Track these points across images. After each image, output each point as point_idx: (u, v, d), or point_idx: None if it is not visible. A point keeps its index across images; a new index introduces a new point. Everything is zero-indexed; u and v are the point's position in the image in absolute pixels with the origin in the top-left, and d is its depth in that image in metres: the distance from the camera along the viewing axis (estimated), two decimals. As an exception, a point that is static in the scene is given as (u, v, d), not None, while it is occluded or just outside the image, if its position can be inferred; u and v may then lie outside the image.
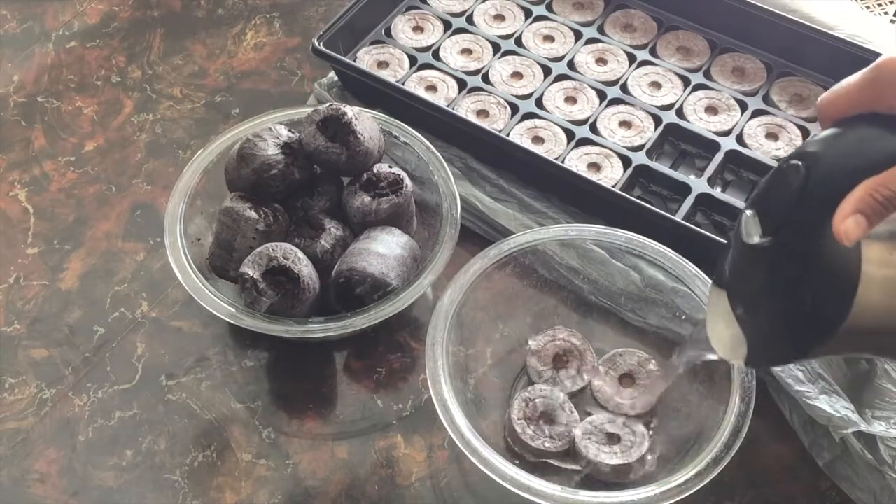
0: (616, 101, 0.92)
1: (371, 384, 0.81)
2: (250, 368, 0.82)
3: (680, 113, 0.91)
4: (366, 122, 0.81)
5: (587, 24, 0.99)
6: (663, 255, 0.76)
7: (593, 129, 0.90)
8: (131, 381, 0.82)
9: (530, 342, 0.79)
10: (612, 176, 0.86)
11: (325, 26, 0.94)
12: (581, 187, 0.84)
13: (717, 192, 0.85)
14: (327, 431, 0.79)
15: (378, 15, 1.00)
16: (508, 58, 0.96)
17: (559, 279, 0.81)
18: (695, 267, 0.75)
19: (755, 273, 0.53)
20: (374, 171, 0.81)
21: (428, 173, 0.84)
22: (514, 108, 0.92)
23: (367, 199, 0.80)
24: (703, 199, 0.84)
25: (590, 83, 0.94)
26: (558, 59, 0.96)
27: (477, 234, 0.88)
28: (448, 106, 0.91)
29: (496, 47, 0.97)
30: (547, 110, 0.92)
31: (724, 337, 0.57)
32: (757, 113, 0.91)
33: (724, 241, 0.56)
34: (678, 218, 0.82)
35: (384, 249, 0.77)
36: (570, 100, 0.93)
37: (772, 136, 0.90)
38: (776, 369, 0.74)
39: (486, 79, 0.95)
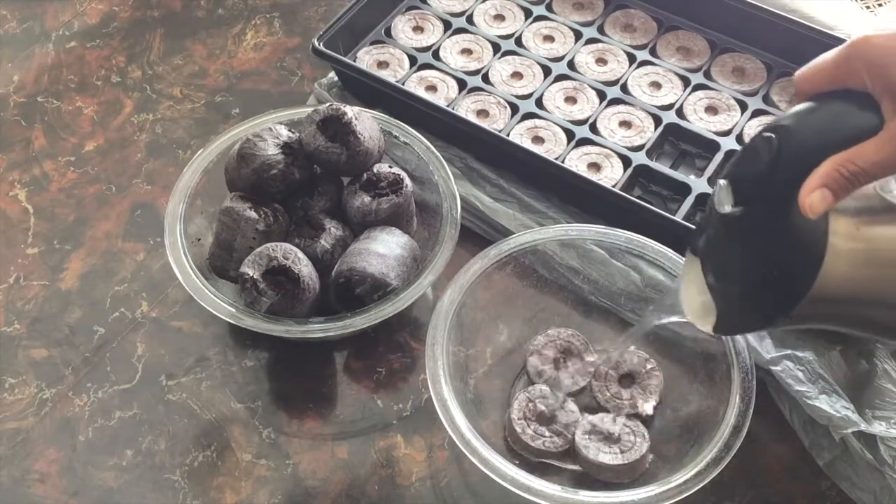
0: (616, 101, 0.92)
1: (371, 384, 0.81)
2: (250, 368, 0.82)
3: (680, 113, 0.91)
4: (366, 122, 0.81)
5: (587, 24, 0.99)
6: (663, 255, 0.76)
7: (593, 129, 0.90)
8: (131, 381, 0.82)
9: (530, 342, 0.79)
10: (612, 176, 0.86)
11: (325, 26, 0.94)
12: (581, 187, 0.84)
13: (717, 192, 0.85)
14: (327, 431, 0.79)
15: (378, 15, 1.00)
16: (508, 58, 0.96)
17: (559, 279, 0.81)
18: (695, 267, 0.75)
19: (726, 242, 0.54)
20: (374, 171, 0.81)
21: (428, 173, 0.84)
22: (514, 108, 0.92)
23: (367, 199, 0.80)
24: (704, 199, 0.84)
25: (590, 83, 0.94)
26: (558, 59, 0.96)
27: (477, 234, 0.88)
28: (448, 106, 0.91)
29: (496, 47, 0.97)
30: (547, 110, 0.92)
31: (695, 303, 0.59)
32: (757, 113, 0.91)
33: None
34: (678, 218, 0.82)
35: (384, 249, 0.77)
36: (570, 100, 0.93)
37: (772, 136, 0.89)
38: (776, 369, 0.74)
39: (486, 79, 0.95)
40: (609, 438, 0.73)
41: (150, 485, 0.76)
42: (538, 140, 0.90)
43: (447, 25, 1.00)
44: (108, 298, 0.86)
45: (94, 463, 0.77)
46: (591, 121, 0.91)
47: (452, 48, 0.98)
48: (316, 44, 0.93)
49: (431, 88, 0.94)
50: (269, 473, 0.76)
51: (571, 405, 0.76)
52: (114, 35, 1.08)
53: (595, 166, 0.87)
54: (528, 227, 0.85)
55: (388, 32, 0.99)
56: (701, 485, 0.65)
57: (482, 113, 0.92)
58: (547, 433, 0.74)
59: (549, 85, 0.94)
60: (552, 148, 0.89)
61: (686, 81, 0.94)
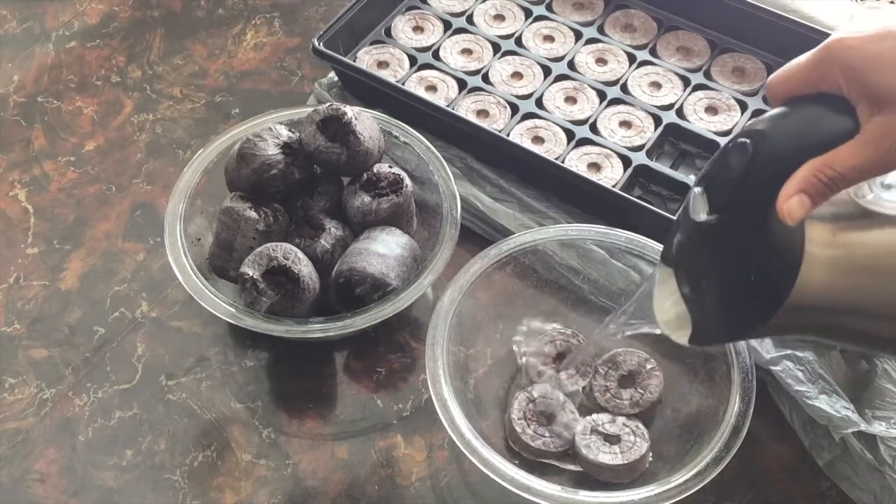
0: (616, 101, 0.92)
1: (371, 384, 0.81)
2: (250, 368, 0.82)
3: (680, 113, 0.91)
4: (366, 122, 0.81)
5: (587, 24, 0.99)
6: (663, 255, 0.76)
7: (593, 129, 0.90)
8: (131, 381, 0.82)
9: (530, 342, 0.79)
10: (612, 176, 0.86)
11: (325, 26, 0.94)
12: (581, 187, 0.84)
13: (717, 192, 0.85)
14: (327, 431, 0.79)
15: (378, 15, 1.00)
16: (508, 58, 0.96)
17: (559, 279, 0.81)
18: (695, 267, 0.75)
19: (701, 250, 0.53)
20: (374, 171, 0.81)
21: (428, 173, 0.84)
22: (514, 108, 0.92)
23: (367, 199, 0.80)
24: (703, 199, 0.84)
25: (590, 83, 0.94)
26: (558, 59, 0.96)
27: (477, 234, 0.88)
28: (448, 106, 0.91)
29: (496, 47, 0.97)
30: (547, 110, 0.92)
31: (668, 314, 0.58)
32: (757, 113, 0.91)
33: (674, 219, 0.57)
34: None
35: (384, 249, 0.77)
36: (570, 100, 0.93)
37: (772, 136, 0.89)
38: (776, 369, 0.74)
39: (486, 79, 0.95)
40: (609, 438, 0.73)
41: (150, 485, 0.76)
42: (538, 140, 0.90)
43: (447, 25, 1.00)
44: (108, 298, 0.86)
45: (94, 463, 0.77)
46: (591, 121, 0.91)
47: (452, 48, 0.98)
48: (316, 44, 0.93)
49: (431, 88, 0.94)
50: (269, 473, 0.76)
51: (571, 405, 0.76)
52: (114, 35, 1.08)
53: (595, 166, 0.87)
54: (528, 227, 0.85)
55: (388, 32, 0.99)
56: (701, 485, 0.66)
57: (482, 113, 0.92)
58: (547, 433, 0.74)
59: (549, 85, 0.94)
60: (552, 148, 0.89)
61: (686, 81, 0.94)
